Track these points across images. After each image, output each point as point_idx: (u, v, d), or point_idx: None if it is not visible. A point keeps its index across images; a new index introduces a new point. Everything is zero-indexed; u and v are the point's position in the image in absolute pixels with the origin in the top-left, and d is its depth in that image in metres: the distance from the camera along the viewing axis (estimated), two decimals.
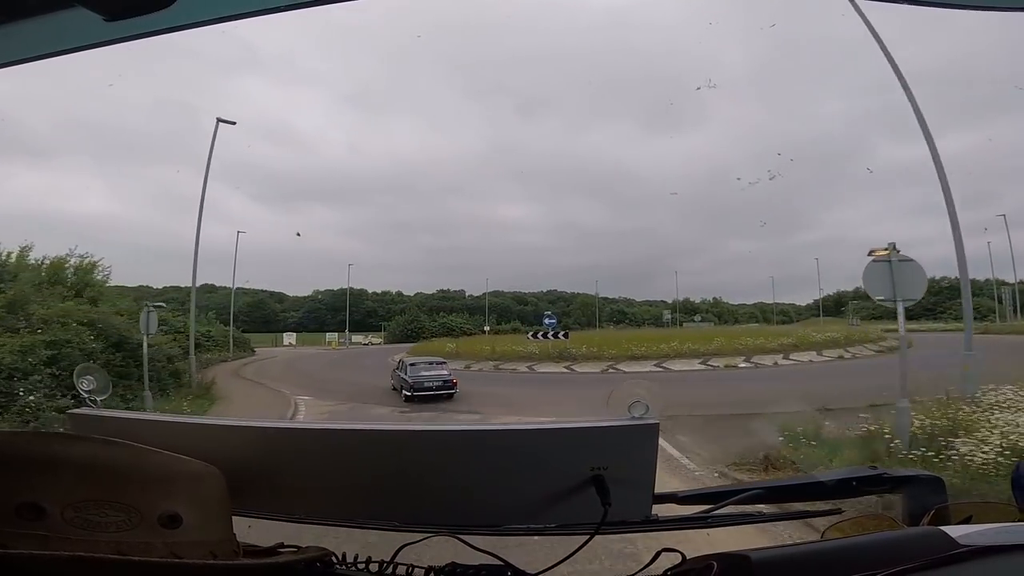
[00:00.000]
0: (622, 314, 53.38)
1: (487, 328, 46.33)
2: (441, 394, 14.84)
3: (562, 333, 26.70)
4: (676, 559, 0.84)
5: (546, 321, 30.41)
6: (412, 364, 16.12)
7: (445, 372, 15.69)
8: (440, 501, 0.94)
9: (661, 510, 1.01)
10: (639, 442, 0.88)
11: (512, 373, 22.94)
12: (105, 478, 0.71)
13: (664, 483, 0.95)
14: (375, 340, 48.00)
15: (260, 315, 49.17)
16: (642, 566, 0.87)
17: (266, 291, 51.22)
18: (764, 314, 50.61)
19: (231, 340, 31.98)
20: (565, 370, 22.47)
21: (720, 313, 52.61)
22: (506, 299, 54.02)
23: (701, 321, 47.62)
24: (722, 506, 1.07)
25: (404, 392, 15.07)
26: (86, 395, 1.05)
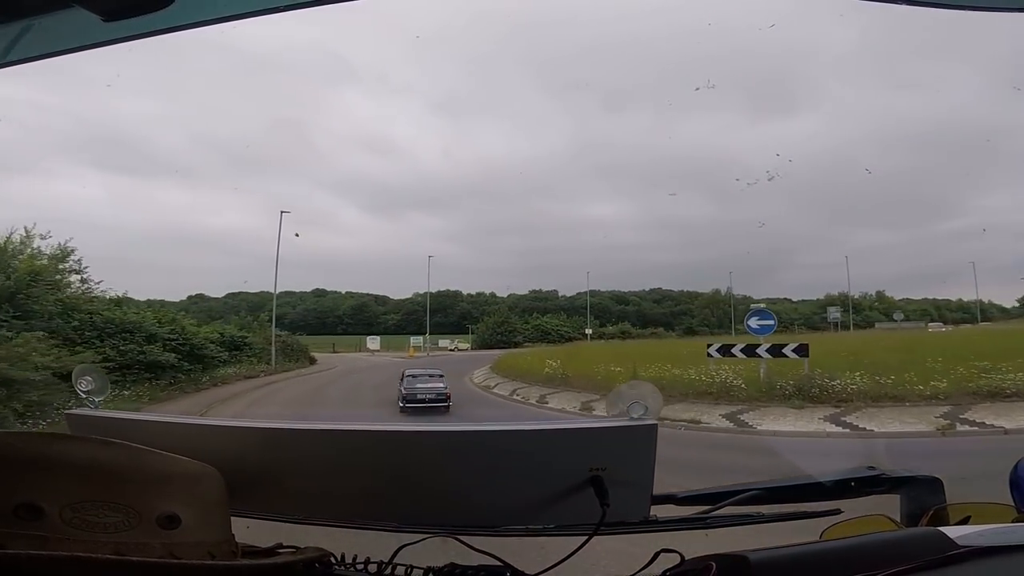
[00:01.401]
0: None
1: (589, 331, 42.05)
2: (435, 406, 14.99)
3: (792, 348, 14.63)
4: (675, 560, 0.84)
5: (754, 323, 16.17)
6: (411, 375, 16.44)
7: (441, 385, 15.73)
8: (439, 502, 0.94)
9: (660, 511, 1.01)
10: (638, 443, 0.88)
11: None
12: (103, 479, 0.71)
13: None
14: (462, 345, 42.96)
15: (362, 317, 49.05)
16: (641, 567, 0.87)
17: (371, 294, 51.07)
18: (938, 311, 40.61)
19: (273, 350, 27.34)
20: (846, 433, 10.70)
21: (887, 310, 40.85)
22: (603, 299, 49.37)
23: (904, 320, 35.87)
24: (721, 507, 1.07)
25: (399, 403, 15.34)
26: (84, 395, 1.05)
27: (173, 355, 19.61)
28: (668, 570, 0.83)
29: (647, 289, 49.20)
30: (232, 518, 0.84)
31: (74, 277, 19.55)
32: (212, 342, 23.05)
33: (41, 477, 0.69)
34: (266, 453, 0.94)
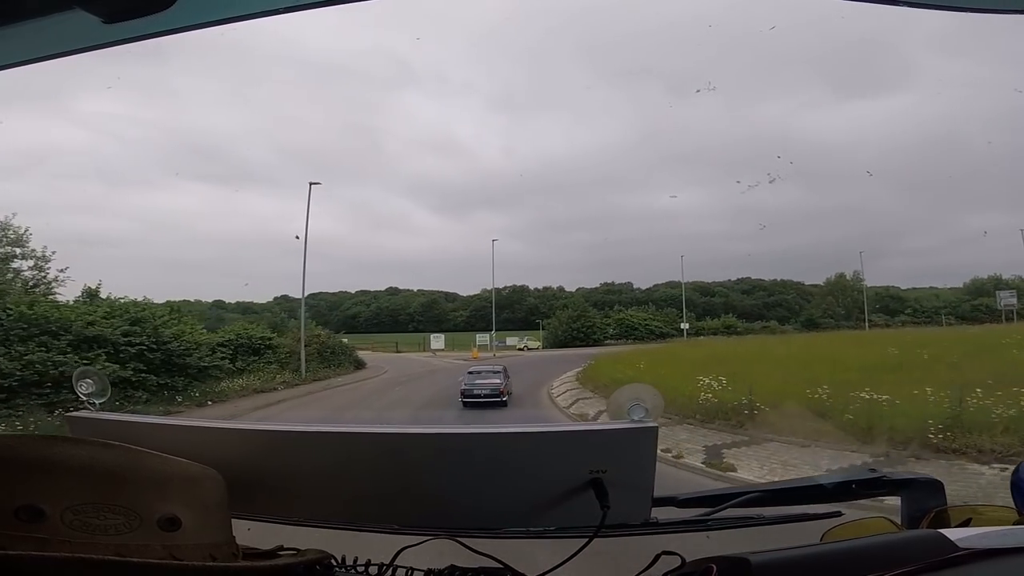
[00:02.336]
0: (899, 301, 36.52)
1: (685, 326, 36.43)
2: (491, 402, 15.41)
3: None
4: (675, 562, 0.84)
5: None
6: (472, 372, 17.17)
7: (498, 381, 16.12)
8: (439, 504, 0.94)
9: (661, 513, 1.01)
10: (638, 445, 0.88)
11: None
12: (104, 481, 0.71)
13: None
14: (532, 344, 37.70)
15: (432, 314, 48.74)
16: (641, 569, 0.87)
17: (441, 291, 50.35)
18: None
19: (303, 356, 21.99)
20: None
21: None
22: (686, 290, 44.04)
23: None
24: (721, 509, 1.07)
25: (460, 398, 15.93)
26: (85, 398, 1.05)
27: (135, 365, 15.24)
28: (669, 572, 0.83)
29: (733, 279, 44.19)
30: (233, 520, 0.84)
31: (22, 264, 16.93)
32: (213, 346, 18.85)
33: (42, 479, 0.69)
34: (267, 455, 0.94)
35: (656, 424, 0.87)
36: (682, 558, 0.84)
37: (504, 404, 15.44)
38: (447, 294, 50.81)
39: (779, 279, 44.50)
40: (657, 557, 0.86)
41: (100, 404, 1.06)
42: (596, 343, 34.80)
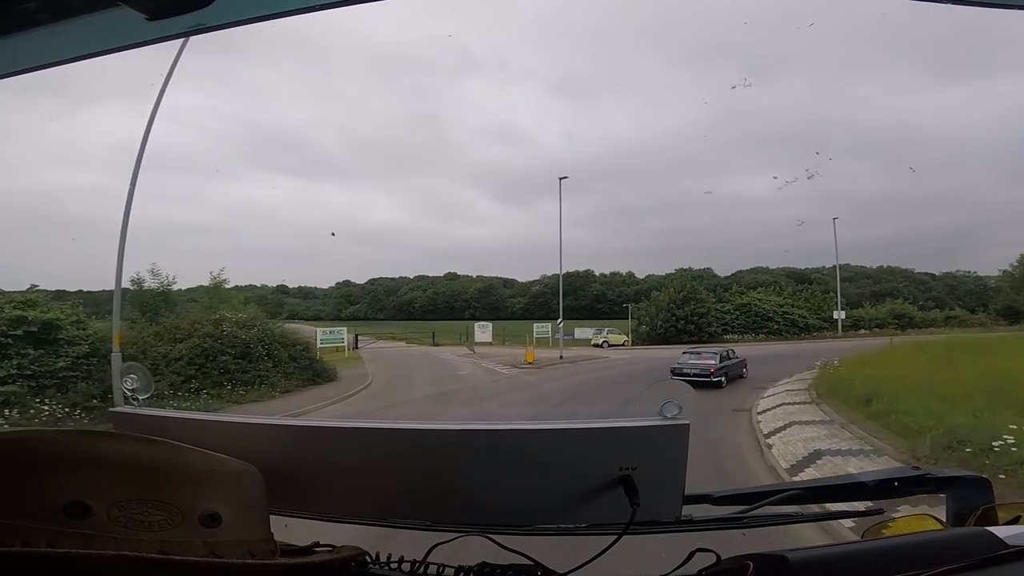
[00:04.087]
0: None
1: (841, 315, 26.87)
2: (700, 382, 15.56)
3: None
4: (711, 559, 0.82)
5: None
6: (689, 352, 17.67)
7: (711, 361, 16.51)
8: (471, 500, 0.94)
9: (695, 511, 0.99)
10: (669, 442, 0.87)
11: None
12: (148, 477, 0.73)
13: None
14: (615, 338, 27.95)
15: (489, 301, 47.81)
16: (676, 566, 0.86)
17: (500, 278, 49.65)
18: None
19: (114, 371, 11.02)
20: None
21: None
22: (775, 275, 39.92)
23: None
24: (758, 507, 1.05)
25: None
26: (129, 393, 1.08)
27: None
28: (704, 569, 0.82)
29: (829, 265, 38.11)
30: (271, 517, 0.86)
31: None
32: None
33: (89, 475, 0.71)
34: (303, 451, 0.95)
35: (688, 422, 0.86)
36: (717, 555, 0.82)
37: (720, 385, 15.81)
38: (506, 280, 49.97)
39: (884, 265, 40.75)
40: (692, 554, 0.85)
41: (143, 400, 1.09)
42: (712, 338, 25.61)
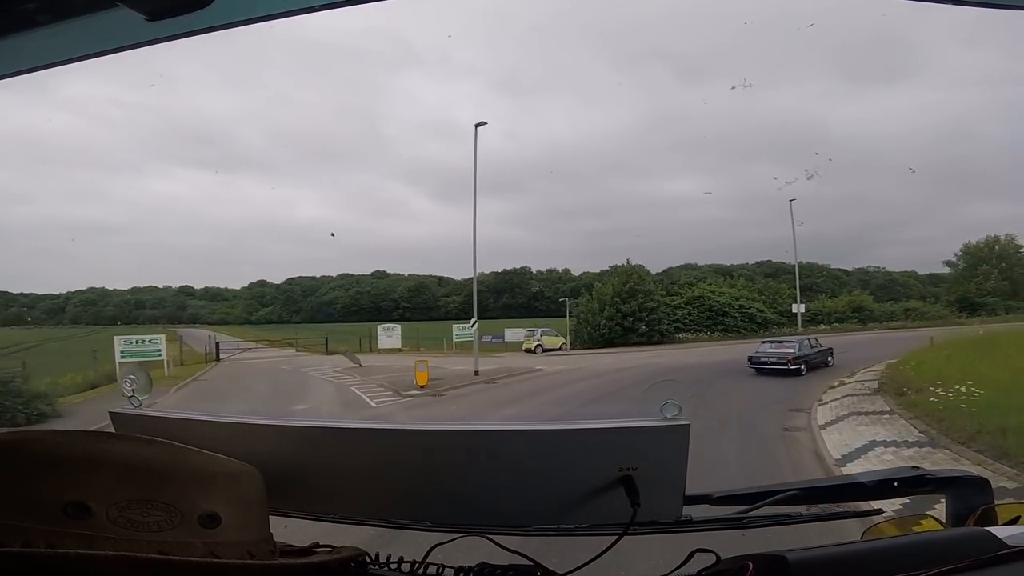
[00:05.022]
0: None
1: (800, 308, 24.87)
2: (780, 370, 16.12)
3: None
4: (710, 559, 0.82)
5: None
6: (769, 341, 18.37)
7: (790, 350, 16.83)
8: (470, 501, 0.94)
9: (695, 511, 0.99)
10: (670, 443, 0.87)
11: None
12: (147, 477, 0.73)
13: None
14: (550, 341, 23.72)
15: (421, 300, 45.36)
16: (675, 566, 0.86)
17: (433, 276, 47.21)
18: None
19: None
20: None
21: None
22: (704, 272, 39.72)
23: None
24: (758, 507, 1.05)
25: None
26: (129, 394, 1.08)
27: None
28: (704, 570, 0.82)
29: (753, 262, 40.50)
30: (270, 517, 0.86)
31: None
32: None
33: (89, 475, 0.71)
34: (303, 452, 0.95)
35: (688, 422, 0.86)
36: (717, 556, 0.82)
37: (799, 373, 15.96)
38: (440, 278, 47.40)
39: (804, 262, 39.98)
40: (691, 554, 0.85)
41: (143, 400, 1.09)
42: (663, 339, 22.66)
